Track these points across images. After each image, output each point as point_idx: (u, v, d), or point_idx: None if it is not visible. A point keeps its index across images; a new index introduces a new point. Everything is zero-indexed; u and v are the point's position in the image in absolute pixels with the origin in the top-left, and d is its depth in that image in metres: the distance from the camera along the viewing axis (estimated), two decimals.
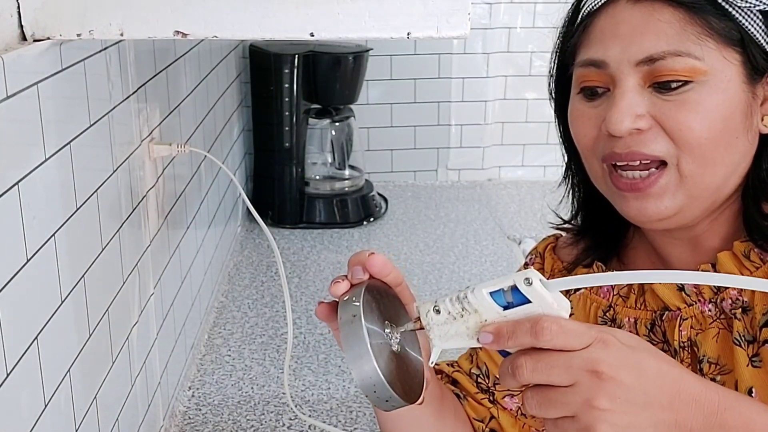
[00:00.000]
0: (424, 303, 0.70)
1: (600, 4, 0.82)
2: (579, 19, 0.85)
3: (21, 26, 0.81)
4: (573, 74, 0.86)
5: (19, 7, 0.80)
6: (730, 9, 0.78)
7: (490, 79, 2.67)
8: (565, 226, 1.00)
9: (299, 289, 1.98)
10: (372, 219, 2.40)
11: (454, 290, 0.69)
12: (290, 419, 1.46)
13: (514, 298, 0.65)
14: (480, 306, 0.66)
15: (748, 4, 0.78)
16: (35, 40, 0.82)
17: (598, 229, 0.95)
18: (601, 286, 0.92)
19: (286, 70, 2.25)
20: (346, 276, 0.77)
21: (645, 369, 0.63)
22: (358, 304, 0.70)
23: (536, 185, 2.70)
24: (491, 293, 0.66)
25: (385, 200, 2.52)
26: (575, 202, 0.98)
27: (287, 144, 2.32)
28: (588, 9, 0.84)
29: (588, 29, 0.83)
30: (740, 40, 0.78)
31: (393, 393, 0.69)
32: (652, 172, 0.80)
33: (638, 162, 0.80)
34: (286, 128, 2.31)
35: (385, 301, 0.76)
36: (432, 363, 0.71)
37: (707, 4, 0.78)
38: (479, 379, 1.01)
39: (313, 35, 0.80)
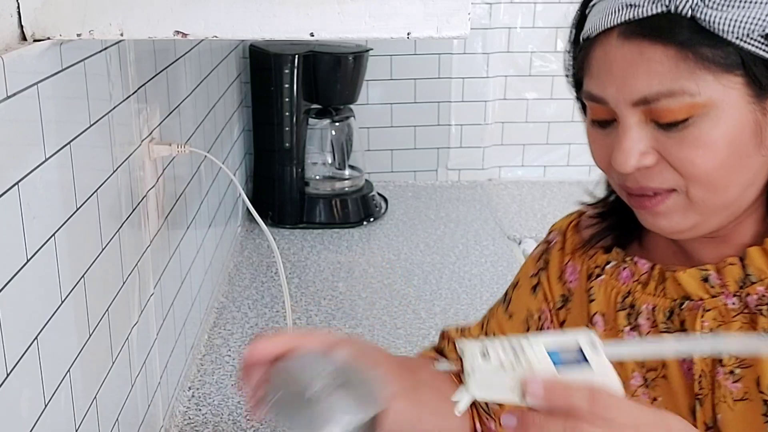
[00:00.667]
0: (467, 343, 0.66)
1: (594, 34, 0.81)
2: (580, 41, 0.84)
3: (21, 26, 0.81)
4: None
5: (19, 7, 0.80)
6: (727, 37, 0.75)
7: (490, 79, 2.67)
8: (590, 206, 0.99)
9: (299, 290, 1.98)
10: (372, 219, 2.40)
11: (504, 338, 0.66)
12: None
13: (571, 356, 0.63)
14: (535, 361, 0.64)
15: (746, 32, 0.75)
16: (35, 40, 0.81)
17: (623, 211, 0.93)
18: (621, 271, 0.92)
19: (286, 70, 2.25)
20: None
21: None
22: (273, 400, 0.68)
23: (536, 185, 2.70)
24: (549, 352, 0.64)
25: (385, 200, 2.52)
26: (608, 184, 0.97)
27: (287, 144, 2.32)
28: (585, 35, 0.83)
29: (587, 57, 0.82)
30: (740, 62, 0.76)
31: (369, 421, 0.68)
32: (659, 192, 0.80)
33: (652, 193, 0.81)
34: (286, 128, 2.31)
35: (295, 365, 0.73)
36: (459, 412, 0.67)
37: (701, 38, 0.75)
38: None
39: (313, 35, 0.80)
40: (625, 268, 0.91)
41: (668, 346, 0.65)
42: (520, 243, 2.33)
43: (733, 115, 0.76)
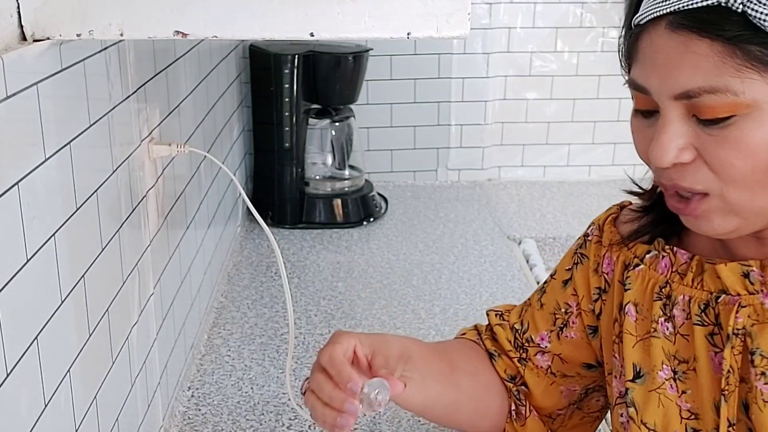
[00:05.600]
0: None
1: (644, 21, 0.80)
2: (632, 25, 0.83)
3: (21, 26, 0.81)
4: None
5: (19, 7, 0.80)
6: None
7: (490, 79, 2.67)
8: (635, 197, 0.99)
9: (299, 289, 1.98)
10: (372, 219, 2.40)
11: None
12: (290, 419, 1.46)
13: None
14: None
15: None
16: (35, 40, 0.82)
17: (665, 206, 0.93)
18: (660, 261, 0.92)
19: (286, 70, 2.25)
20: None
21: None
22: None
23: (536, 185, 2.69)
24: None
25: (385, 200, 2.52)
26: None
27: (287, 144, 2.32)
28: (636, 21, 0.81)
29: (635, 43, 0.82)
30: None
31: None
32: (693, 197, 0.80)
33: (687, 195, 0.80)
34: (286, 128, 2.31)
35: None
36: None
37: (751, 35, 0.72)
38: (517, 335, 1.05)
39: (313, 35, 0.80)
40: (664, 257, 0.91)
41: None
42: (519, 243, 2.33)
43: None
